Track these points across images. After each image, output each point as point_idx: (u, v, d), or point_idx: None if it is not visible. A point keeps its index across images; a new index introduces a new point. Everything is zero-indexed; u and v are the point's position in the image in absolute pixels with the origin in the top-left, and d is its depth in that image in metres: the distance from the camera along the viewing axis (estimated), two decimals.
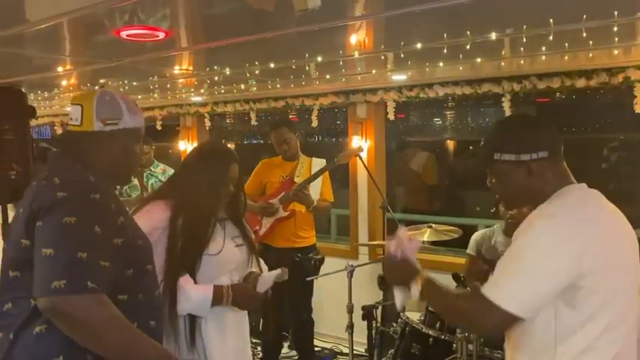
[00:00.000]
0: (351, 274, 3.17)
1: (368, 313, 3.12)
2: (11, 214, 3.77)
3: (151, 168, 4.24)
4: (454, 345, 2.80)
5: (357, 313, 3.26)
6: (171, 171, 4.50)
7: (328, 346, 4.40)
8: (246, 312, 2.25)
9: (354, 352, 3.34)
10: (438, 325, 2.91)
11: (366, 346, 3.49)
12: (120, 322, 1.38)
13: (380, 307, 3.44)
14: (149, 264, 1.61)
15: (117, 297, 1.43)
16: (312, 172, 3.71)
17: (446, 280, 3.00)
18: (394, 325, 3.24)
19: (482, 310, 1.39)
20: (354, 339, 3.37)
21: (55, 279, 1.31)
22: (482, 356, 2.72)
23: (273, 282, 2.18)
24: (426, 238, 3.34)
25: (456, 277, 2.92)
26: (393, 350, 3.10)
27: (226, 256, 2.09)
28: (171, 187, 2.18)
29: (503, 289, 1.39)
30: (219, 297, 2.02)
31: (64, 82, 3.89)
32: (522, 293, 1.38)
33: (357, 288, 3.28)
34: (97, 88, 1.59)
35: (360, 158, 3.92)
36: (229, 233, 2.15)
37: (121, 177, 1.71)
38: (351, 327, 3.23)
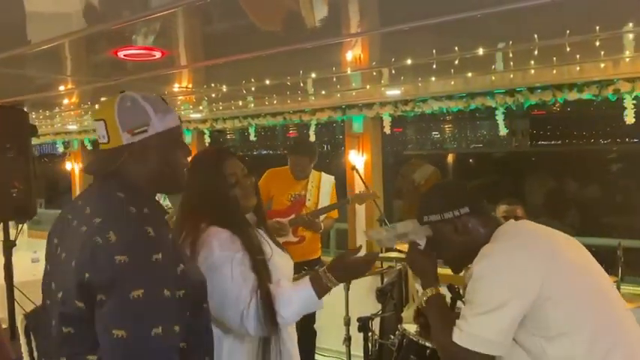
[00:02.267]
0: (348, 287, 3.20)
1: (364, 324, 3.14)
2: (12, 232, 3.83)
3: None
4: None
5: (355, 326, 3.28)
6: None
7: None
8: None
9: None
10: None
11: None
12: None
13: (377, 319, 3.46)
14: (205, 302, 1.45)
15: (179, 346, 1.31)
16: (321, 189, 3.80)
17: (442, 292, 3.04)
18: (392, 337, 3.26)
19: (455, 350, 1.50)
20: (352, 352, 3.39)
21: None
22: None
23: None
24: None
25: (451, 288, 2.94)
26: None
27: (276, 261, 1.88)
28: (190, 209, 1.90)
29: (465, 332, 1.49)
30: (318, 282, 1.75)
31: (65, 101, 3.96)
32: (484, 332, 1.47)
33: (355, 301, 3.30)
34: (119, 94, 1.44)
35: (358, 172, 3.97)
36: (268, 240, 1.94)
37: (169, 187, 1.52)
38: (348, 340, 3.25)
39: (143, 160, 1.39)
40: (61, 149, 7.05)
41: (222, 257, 1.73)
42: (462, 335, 1.49)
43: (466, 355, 1.47)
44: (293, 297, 1.74)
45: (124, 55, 2.16)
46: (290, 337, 1.93)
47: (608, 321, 1.49)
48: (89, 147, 6.68)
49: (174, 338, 1.26)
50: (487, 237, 1.61)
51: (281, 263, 1.90)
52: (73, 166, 6.87)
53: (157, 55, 2.16)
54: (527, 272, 1.48)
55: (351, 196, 3.94)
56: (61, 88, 3.25)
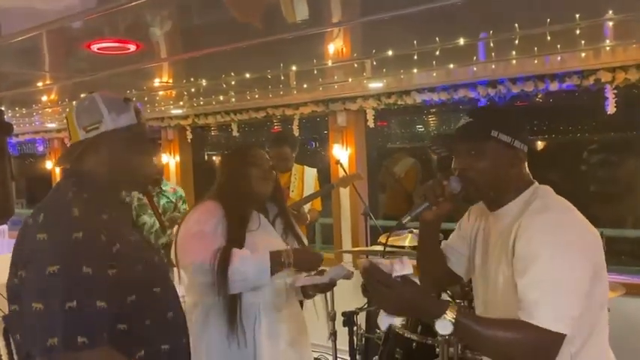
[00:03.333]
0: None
1: (348, 319, 3.13)
2: None
3: (162, 187, 4.14)
4: (436, 348, 2.81)
5: (340, 321, 3.26)
6: (182, 192, 4.46)
7: (315, 355, 4.38)
8: (304, 325, 2.26)
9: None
10: (420, 329, 2.93)
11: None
12: None
13: (363, 314, 3.45)
14: (157, 286, 1.48)
15: (117, 327, 1.36)
16: (305, 182, 3.76)
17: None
18: (378, 331, 3.25)
19: (536, 340, 1.28)
20: (338, 347, 3.37)
21: (48, 336, 1.26)
22: (463, 359, 2.73)
23: (340, 278, 2.11)
24: (407, 243, 3.37)
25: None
26: (377, 356, 3.10)
27: (259, 236, 2.07)
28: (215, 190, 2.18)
29: (558, 315, 1.29)
30: (277, 259, 1.95)
31: (43, 98, 3.88)
32: (567, 310, 1.31)
33: (340, 296, 3.28)
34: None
35: (342, 165, 3.96)
36: (279, 231, 2.16)
37: (124, 184, 1.57)
38: (334, 335, 3.23)
39: (96, 156, 1.47)
40: (40, 148, 6.94)
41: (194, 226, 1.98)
42: (546, 314, 1.29)
43: (560, 339, 1.28)
44: (249, 258, 1.92)
45: (98, 49, 2.11)
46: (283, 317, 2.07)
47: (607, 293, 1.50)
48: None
49: (97, 314, 1.30)
50: (524, 184, 1.50)
51: (264, 239, 2.06)
52: (53, 165, 6.76)
53: (132, 48, 2.11)
54: (592, 248, 1.39)
55: (336, 181, 3.89)
56: (39, 84, 3.18)
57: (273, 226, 2.18)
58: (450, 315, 1.27)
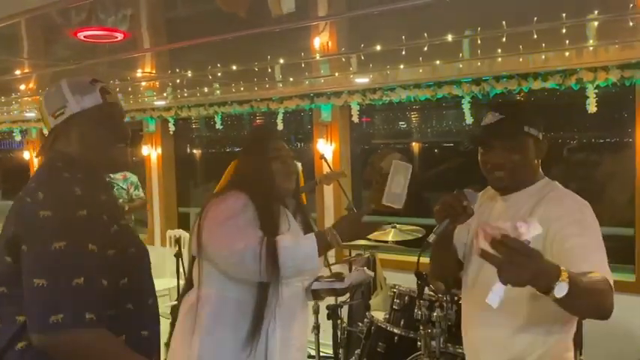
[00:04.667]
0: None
1: (333, 312, 3.14)
2: None
3: (110, 175, 4.07)
4: (418, 342, 2.84)
5: (324, 314, 3.27)
6: (133, 177, 4.40)
7: None
8: (308, 323, 2.16)
9: (322, 354, 3.34)
10: (402, 323, 2.95)
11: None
12: (119, 357, 1.35)
13: (346, 307, 3.46)
14: (143, 272, 1.51)
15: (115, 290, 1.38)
16: None
17: (409, 279, 3.06)
18: (360, 324, 3.27)
19: (612, 290, 1.40)
20: (321, 340, 3.38)
21: (52, 313, 1.24)
22: (445, 352, 2.77)
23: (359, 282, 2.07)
24: (390, 238, 3.40)
25: (418, 275, 2.96)
26: (359, 350, 3.12)
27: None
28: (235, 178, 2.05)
29: (606, 268, 1.45)
30: (321, 236, 1.83)
31: (22, 87, 3.80)
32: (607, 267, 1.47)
33: None
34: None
35: (326, 160, 3.95)
36: (291, 220, 2.01)
37: (98, 166, 1.51)
38: (317, 328, 3.24)
39: (67, 140, 1.46)
40: (18, 138, 6.80)
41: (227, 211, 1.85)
42: (607, 272, 1.44)
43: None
44: (295, 242, 1.82)
45: (84, 37, 2.07)
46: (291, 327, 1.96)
47: None
48: None
49: (101, 290, 1.31)
50: (539, 175, 1.68)
51: None
52: (31, 155, 6.64)
53: (119, 36, 2.08)
54: None
55: (319, 177, 3.88)
56: (17, 72, 3.12)
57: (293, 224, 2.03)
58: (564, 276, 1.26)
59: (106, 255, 1.34)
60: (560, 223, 1.51)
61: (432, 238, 1.58)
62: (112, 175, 4.12)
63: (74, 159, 1.45)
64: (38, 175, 1.46)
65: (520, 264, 1.18)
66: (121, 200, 4.13)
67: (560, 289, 1.24)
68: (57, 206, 1.31)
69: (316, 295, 2.07)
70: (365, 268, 2.18)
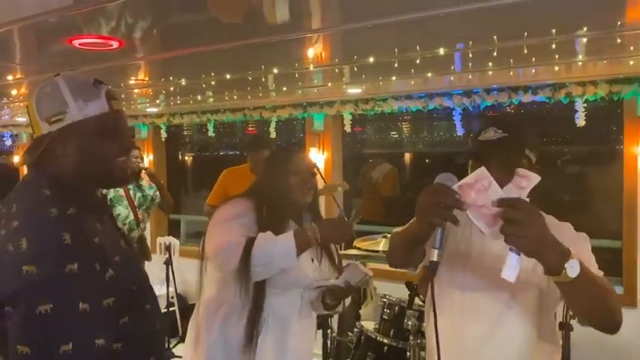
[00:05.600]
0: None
1: (323, 321, 3.14)
2: None
3: (139, 181, 4.11)
4: (408, 353, 2.85)
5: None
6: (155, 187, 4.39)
7: None
8: (312, 335, 2.09)
9: None
10: (392, 333, 2.96)
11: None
12: None
13: (335, 317, 3.47)
14: (147, 303, 1.33)
15: (111, 347, 1.21)
16: None
17: (400, 289, 3.07)
18: (350, 334, 3.28)
19: (615, 297, 1.39)
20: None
21: None
22: None
23: (357, 281, 1.98)
24: (381, 247, 3.41)
25: (409, 285, 2.98)
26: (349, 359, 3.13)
27: (298, 268, 1.91)
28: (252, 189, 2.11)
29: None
30: (303, 236, 1.81)
31: (13, 92, 3.79)
32: None
33: None
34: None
35: (318, 170, 3.95)
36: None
37: (97, 181, 1.33)
38: None
39: (63, 151, 1.24)
40: (8, 142, 6.76)
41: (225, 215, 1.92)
42: None
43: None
44: (272, 239, 1.82)
45: (80, 45, 2.08)
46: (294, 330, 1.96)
47: None
48: None
49: (92, 354, 1.14)
50: None
51: (303, 269, 1.93)
52: (18, 163, 6.58)
53: (115, 44, 2.08)
54: None
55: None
56: (9, 78, 3.11)
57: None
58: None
59: (101, 309, 1.16)
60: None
61: (435, 255, 1.31)
62: (140, 182, 4.11)
63: (65, 183, 1.25)
64: (22, 205, 1.23)
65: (526, 222, 1.15)
66: (141, 210, 4.14)
67: (573, 268, 1.18)
68: (43, 260, 1.12)
69: (325, 303, 2.03)
70: (358, 262, 2.13)
